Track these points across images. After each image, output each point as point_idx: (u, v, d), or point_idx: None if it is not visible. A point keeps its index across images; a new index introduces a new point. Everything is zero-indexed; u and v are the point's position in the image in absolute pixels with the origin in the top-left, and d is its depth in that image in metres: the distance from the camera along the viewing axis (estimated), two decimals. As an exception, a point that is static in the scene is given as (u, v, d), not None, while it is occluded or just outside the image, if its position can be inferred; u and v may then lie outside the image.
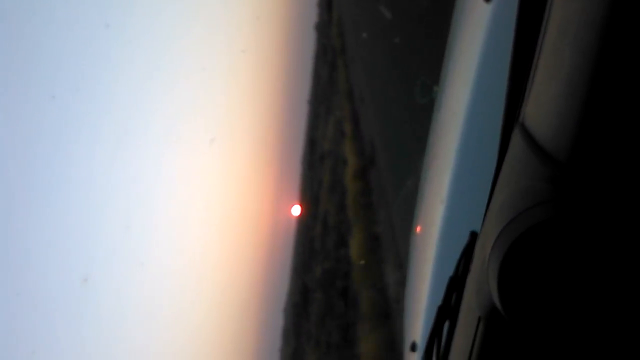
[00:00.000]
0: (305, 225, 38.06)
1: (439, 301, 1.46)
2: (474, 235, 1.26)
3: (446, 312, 1.27)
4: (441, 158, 2.25)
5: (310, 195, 37.60)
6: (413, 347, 2.02)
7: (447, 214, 1.96)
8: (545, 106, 0.79)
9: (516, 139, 0.90)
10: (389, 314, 15.60)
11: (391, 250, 16.12)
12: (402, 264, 14.37)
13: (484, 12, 2.37)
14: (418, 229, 2.71)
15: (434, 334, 1.28)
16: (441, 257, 1.90)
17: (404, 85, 13.39)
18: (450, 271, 1.46)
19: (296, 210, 41.91)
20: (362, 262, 20.07)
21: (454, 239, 2.02)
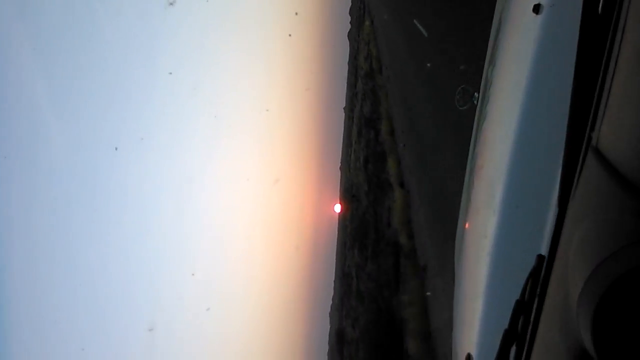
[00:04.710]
0: (344, 222, 38.10)
1: (495, 316, 1.39)
2: (541, 258, 1.18)
3: (513, 336, 1.18)
4: (492, 168, 2.17)
5: (349, 194, 37.57)
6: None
7: (501, 227, 1.88)
8: (627, 132, 0.70)
9: (591, 164, 0.81)
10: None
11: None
12: (425, 264, 14.43)
13: (532, 23, 2.26)
14: (466, 225, 2.59)
15: (501, 359, 1.20)
16: (495, 271, 1.82)
17: (441, 91, 13.16)
18: (504, 287, 1.39)
19: (337, 208, 42.61)
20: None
21: (508, 253, 1.94)
